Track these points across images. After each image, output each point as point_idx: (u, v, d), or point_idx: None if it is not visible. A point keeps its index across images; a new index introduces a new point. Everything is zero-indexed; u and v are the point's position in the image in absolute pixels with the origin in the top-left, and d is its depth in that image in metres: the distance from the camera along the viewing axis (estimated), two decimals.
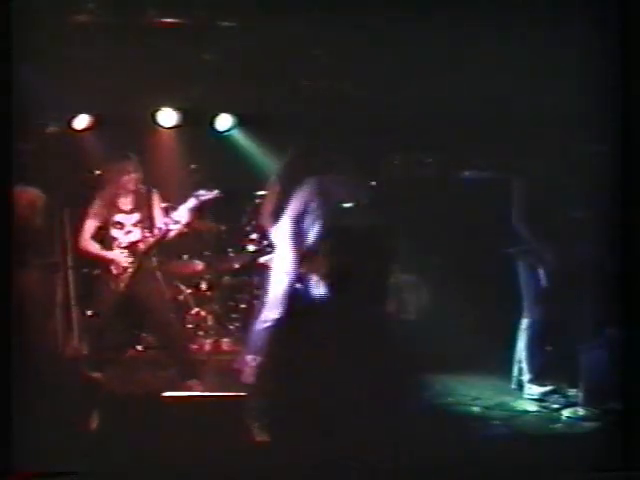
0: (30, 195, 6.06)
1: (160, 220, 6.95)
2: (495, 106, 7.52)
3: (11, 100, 5.13)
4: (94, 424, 5.56)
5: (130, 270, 6.90)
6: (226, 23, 7.06)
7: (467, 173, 7.71)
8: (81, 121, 8.10)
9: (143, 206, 6.97)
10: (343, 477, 5.23)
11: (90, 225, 6.96)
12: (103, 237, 7.00)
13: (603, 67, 5.96)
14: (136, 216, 6.96)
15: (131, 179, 6.95)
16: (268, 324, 6.57)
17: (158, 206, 7.05)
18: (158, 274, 7.30)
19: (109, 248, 6.94)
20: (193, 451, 5.29)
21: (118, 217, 6.96)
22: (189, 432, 5.53)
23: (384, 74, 6.98)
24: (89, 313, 8.15)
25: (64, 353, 7.10)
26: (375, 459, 5.27)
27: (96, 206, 6.97)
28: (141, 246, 6.92)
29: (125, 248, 6.91)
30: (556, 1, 6.51)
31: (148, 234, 6.92)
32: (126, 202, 6.97)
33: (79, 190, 8.10)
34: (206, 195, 7.23)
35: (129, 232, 6.94)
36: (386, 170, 8.12)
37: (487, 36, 6.66)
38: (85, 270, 7.65)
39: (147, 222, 6.94)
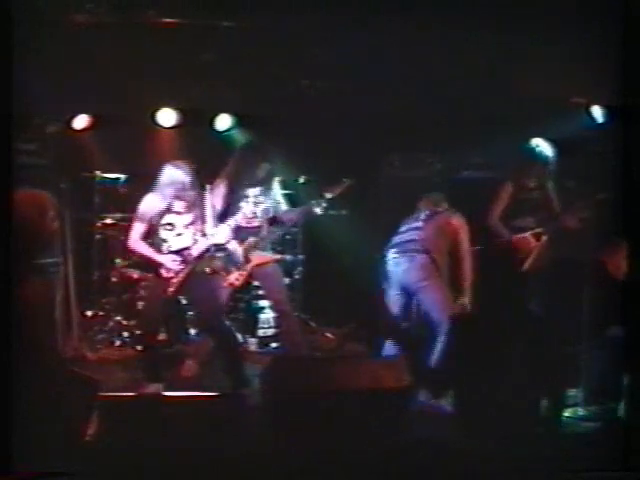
0: (30, 195, 6.04)
1: (213, 226, 6.64)
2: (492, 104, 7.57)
3: (11, 100, 5.11)
4: (94, 424, 5.56)
5: (181, 273, 6.64)
6: (226, 23, 7.09)
7: None
8: (81, 121, 8.13)
9: (195, 209, 6.61)
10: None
11: (139, 226, 6.62)
12: (152, 239, 6.65)
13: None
14: (187, 218, 6.62)
15: (180, 182, 6.69)
16: None
17: (211, 209, 6.67)
18: (210, 278, 6.84)
19: (158, 251, 6.62)
20: (194, 451, 5.29)
21: (168, 218, 6.62)
22: (190, 432, 5.52)
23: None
24: (89, 313, 8.21)
25: (65, 353, 7.10)
26: None
27: (144, 207, 6.64)
28: (192, 250, 6.63)
29: (175, 252, 6.62)
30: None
31: (199, 238, 6.62)
32: (178, 205, 6.60)
33: (79, 190, 8.12)
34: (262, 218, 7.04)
35: (179, 234, 6.61)
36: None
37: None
38: (86, 270, 7.68)
39: (199, 225, 6.61)
